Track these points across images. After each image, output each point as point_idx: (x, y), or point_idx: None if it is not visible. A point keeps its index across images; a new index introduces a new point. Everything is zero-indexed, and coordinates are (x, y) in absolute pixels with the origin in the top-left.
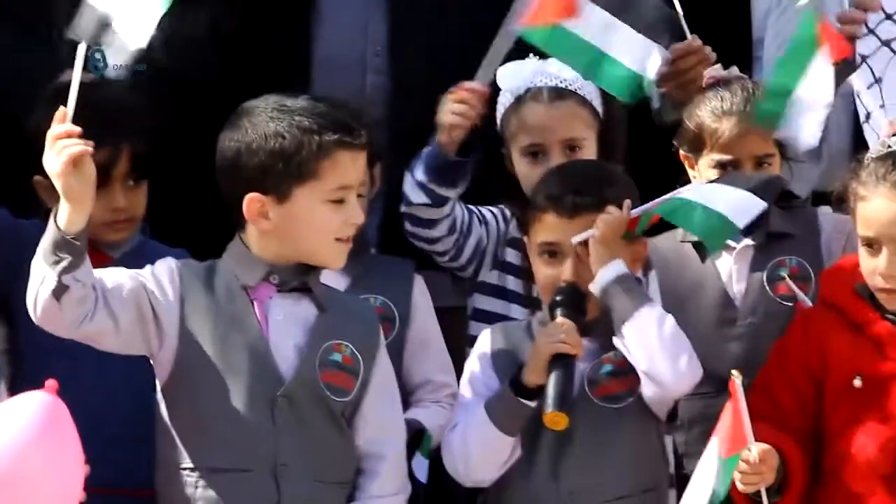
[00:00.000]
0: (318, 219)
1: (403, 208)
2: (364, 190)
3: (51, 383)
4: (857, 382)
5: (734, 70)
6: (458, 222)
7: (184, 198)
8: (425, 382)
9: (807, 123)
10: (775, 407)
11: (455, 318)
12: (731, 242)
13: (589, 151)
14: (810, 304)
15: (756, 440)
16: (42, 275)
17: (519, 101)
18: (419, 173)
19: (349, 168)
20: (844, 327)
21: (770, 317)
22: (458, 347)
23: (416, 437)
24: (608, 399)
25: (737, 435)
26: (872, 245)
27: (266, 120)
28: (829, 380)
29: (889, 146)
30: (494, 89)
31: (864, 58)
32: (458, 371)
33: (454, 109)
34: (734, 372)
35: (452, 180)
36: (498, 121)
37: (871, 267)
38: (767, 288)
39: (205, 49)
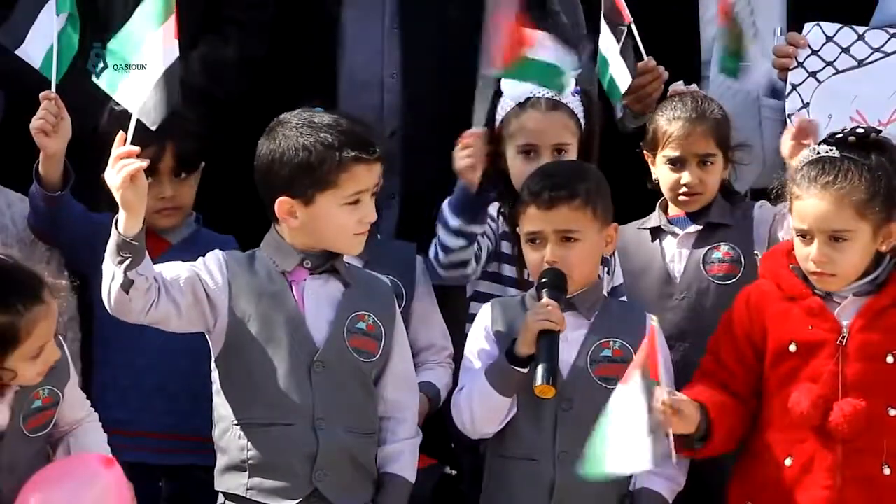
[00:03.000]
0: (338, 219)
1: (443, 260)
2: (377, 189)
3: (109, 459)
4: (792, 347)
5: (693, 86)
6: (480, 248)
7: (229, 194)
8: (430, 346)
9: None
10: (722, 368)
11: (458, 296)
12: (676, 229)
13: (571, 155)
14: None
15: (688, 396)
16: (111, 273)
17: (521, 106)
18: (452, 220)
19: (364, 177)
20: (781, 300)
21: (701, 293)
22: (460, 322)
23: None
24: (604, 380)
25: (653, 367)
26: (806, 236)
27: (296, 134)
28: (768, 345)
29: (818, 152)
30: (496, 95)
31: (794, 86)
32: (459, 341)
33: (463, 155)
34: (653, 317)
35: (476, 216)
36: (497, 123)
37: (805, 253)
38: (703, 268)
39: (233, 73)
